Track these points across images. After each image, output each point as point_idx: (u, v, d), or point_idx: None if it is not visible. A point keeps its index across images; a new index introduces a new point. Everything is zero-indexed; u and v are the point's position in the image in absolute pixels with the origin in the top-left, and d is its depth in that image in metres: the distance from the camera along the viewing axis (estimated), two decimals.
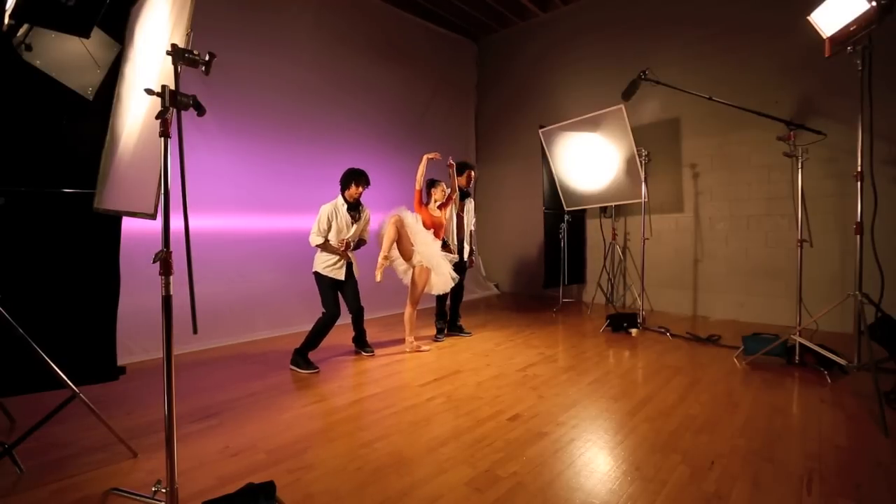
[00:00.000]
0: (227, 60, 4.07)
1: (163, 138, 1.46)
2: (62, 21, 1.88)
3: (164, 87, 1.45)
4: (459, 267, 4.16)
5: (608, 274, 5.73)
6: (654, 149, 4.90)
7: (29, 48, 2.06)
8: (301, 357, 3.35)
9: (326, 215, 3.37)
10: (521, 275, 7.14)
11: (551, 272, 5.91)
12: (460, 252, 4.28)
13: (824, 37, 2.79)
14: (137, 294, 3.12)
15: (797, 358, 3.29)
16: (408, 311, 3.87)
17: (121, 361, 2.57)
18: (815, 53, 2.93)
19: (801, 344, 3.23)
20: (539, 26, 6.85)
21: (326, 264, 3.42)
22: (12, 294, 1.99)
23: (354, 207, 3.49)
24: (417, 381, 3.12)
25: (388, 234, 3.61)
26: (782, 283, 4.67)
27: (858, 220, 2.79)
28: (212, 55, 1.52)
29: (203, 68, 1.52)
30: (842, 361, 2.86)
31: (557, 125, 5.47)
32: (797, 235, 3.30)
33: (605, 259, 5.68)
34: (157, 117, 1.46)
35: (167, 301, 1.48)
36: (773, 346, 3.31)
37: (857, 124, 2.72)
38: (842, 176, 4.27)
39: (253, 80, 4.79)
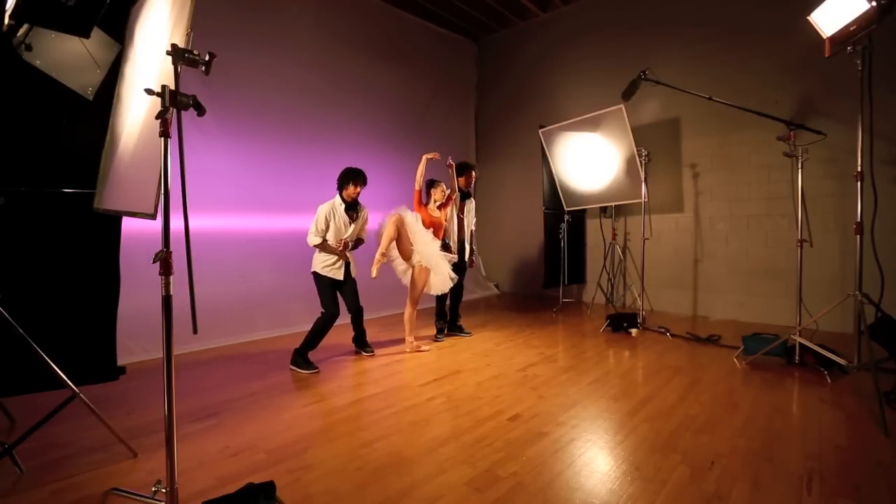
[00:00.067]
0: (227, 60, 4.07)
1: (163, 138, 1.46)
2: (62, 21, 1.88)
3: (164, 87, 1.45)
4: (459, 267, 4.16)
5: (608, 274, 5.73)
6: (654, 149, 4.90)
7: (29, 48, 2.06)
8: (301, 357, 3.35)
9: (324, 215, 3.37)
10: (521, 275, 7.14)
11: (551, 272, 5.91)
12: (461, 252, 4.28)
13: (824, 37, 2.79)
14: (137, 294, 3.12)
15: (797, 358, 3.29)
16: (407, 311, 3.87)
17: (121, 361, 2.57)
18: (815, 53, 2.93)
19: (801, 344, 3.23)
20: (539, 26, 6.85)
21: (325, 264, 3.42)
22: (12, 294, 1.99)
23: (352, 207, 3.48)
24: (417, 381, 3.12)
25: (388, 232, 3.61)
26: (782, 283, 4.67)
27: (858, 220, 2.79)
28: (212, 55, 1.52)
29: (203, 68, 1.52)
30: (842, 361, 2.86)
31: (557, 125, 5.47)
32: (797, 235, 3.30)
33: (605, 259, 5.68)
34: (157, 117, 1.46)
35: (167, 301, 1.48)
36: (773, 346, 3.31)
37: (857, 124, 2.72)
38: (842, 176, 4.27)
39: (253, 80, 4.79)
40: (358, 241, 3.56)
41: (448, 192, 4.03)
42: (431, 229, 3.84)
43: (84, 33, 1.97)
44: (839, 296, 2.93)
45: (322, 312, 3.38)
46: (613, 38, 5.95)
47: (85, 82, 2.28)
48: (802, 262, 3.32)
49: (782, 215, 4.70)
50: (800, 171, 3.25)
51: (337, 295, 3.47)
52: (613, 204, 5.25)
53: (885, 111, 3.36)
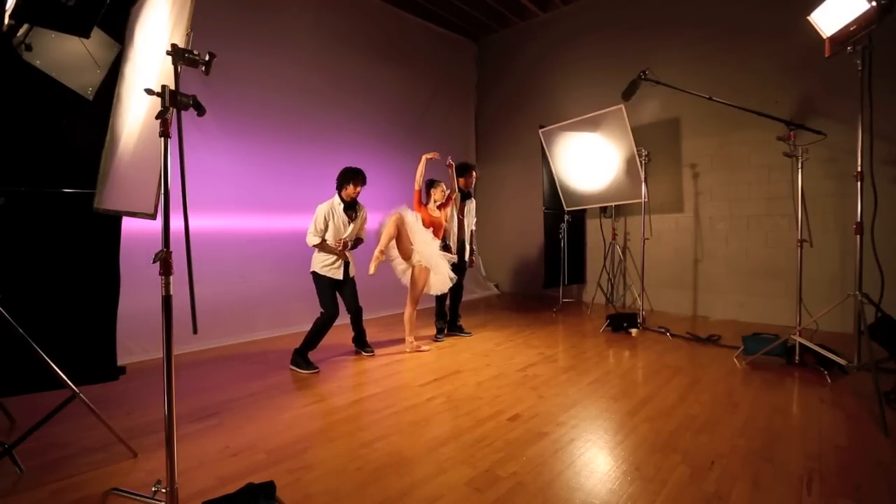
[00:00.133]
0: (227, 60, 4.07)
1: (163, 138, 1.46)
2: (62, 21, 1.88)
3: (164, 87, 1.45)
4: (459, 267, 4.16)
5: (608, 274, 5.73)
6: (654, 149, 4.90)
7: (29, 48, 2.06)
8: (301, 357, 3.35)
9: (323, 215, 3.37)
10: (521, 275, 7.14)
11: (551, 272, 5.91)
12: (461, 252, 4.28)
13: (824, 37, 2.79)
14: (137, 294, 3.12)
15: (797, 358, 3.29)
16: (407, 311, 3.87)
17: (121, 361, 2.57)
18: (815, 53, 2.93)
19: (801, 344, 3.23)
20: (539, 26, 6.85)
21: (324, 264, 3.41)
22: (12, 294, 1.99)
23: (351, 206, 3.48)
24: (417, 381, 3.12)
25: (388, 230, 3.61)
26: (782, 283, 4.67)
27: (858, 220, 2.79)
28: (212, 55, 1.52)
29: (203, 68, 1.52)
30: (842, 361, 2.86)
31: (557, 125, 5.47)
32: (797, 235, 3.30)
33: (605, 259, 5.68)
34: (157, 117, 1.46)
35: (167, 301, 1.48)
36: (773, 346, 3.31)
37: (857, 124, 2.72)
38: (842, 176, 4.27)
39: (253, 80, 4.79)
40: (357, 241, 3.56)
41: (448, 192, 4.03)
42: (431, 229, 3.84)
43: (84, 33, 1.97)
44: (839, 296, 2.93)
45: (321, 312, 3.38)
46: (613, 38, 5.95)
47: (85, 82, 2.28)
48: (802, 262, 3.32)
49: (782, 215, 4.70)
50: (800, 171, 3.25)
51: (336, 295, 3.47)
52: (613, 204, 5.25)
53: (885, 111, 3.36)
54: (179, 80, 1.49)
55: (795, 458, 2.04)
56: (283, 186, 5.03)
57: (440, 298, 4.25)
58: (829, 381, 2.98)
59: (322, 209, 3.38)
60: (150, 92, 1.51)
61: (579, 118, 5.18)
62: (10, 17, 1.84)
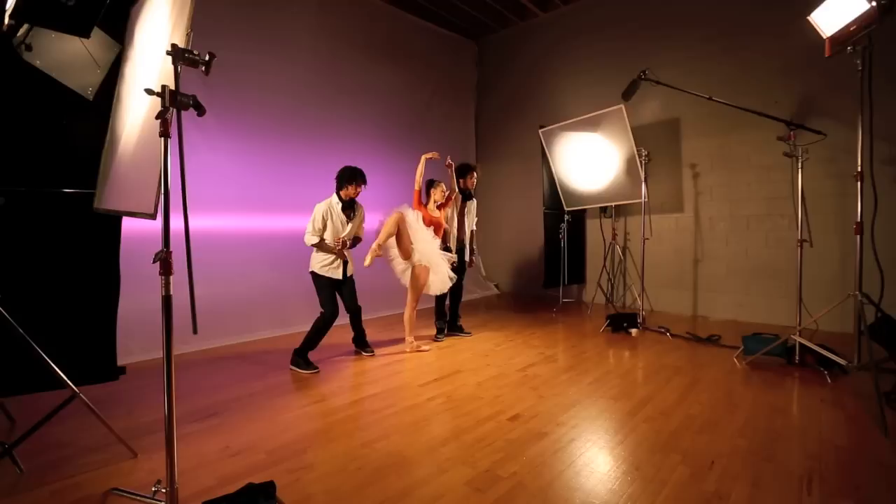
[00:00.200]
0: (227, 60, 4.08)
1: (163, 138, 1.46)
2: (62, 21, 1.89)
3: (164, 87, 1.45)
4: (458, 267, 4.16)
5: (608, 274, 5.73)
6: (654, 149, 4.90)
7: (29, 48, 2.06)
8: (301, 357, 3.35)
9: (321, 214, 3.36)
10: (521, 275, 7.14)
11: (551, 272, 5.91)
12: (460, 253, 4.28)
13: (824, 37, 2.79)
14: (137, 294, 3.12)
15: (797, 358, 3.29)
16: (407, 311, 3.87)
17: (121, 361, 2.58)
18: (816, 53, 2.93)
19: (801, 344, 3.23)
20: (539, 26, 6.85)
21: (323, 264, 3.41)
22: (12, 294, 1.99)
23: (349, 206, 3.47)
24: (417, 381, 3.12)
25: (388, 227, 3.61)
26: (782, 283, 4.67)
27: (858, 220, 2.79)
28: (212, 55, 1.52)
29: (203, 68, 1.52)
30: (842, 361, 2.86)
31: (557, 125, 5.47)
32: (797, 235, 3.30)
33: (605, 259, 5.68)
34: (157, 117, 1.46)
35: (167, 301, 1.48)
36: (773, 346, 3.31)
37: (857, 124, 2.72)
38: (842, 176, 4.27)
39: (253, 80, 4.79)
40: (355, 240, 3.55)
41: (447, 192, 4.03)
42: (432, 228, 3.84)
43: (84, 33, 1.98)
44: (839, 296, 2.93)
45: (321, 312, 3.38)
46: (613, 38, 5.95)
47: (85, 82, 2.28)
48: (802, 262, 3.32)
49: (782, 215, 4.70)
50: (800, 171, 3.25)
51: (336, 294, 3.47)
52: (613, 204, 5.25)
53: (885, 111, 3.36)
54: (179, 80, 1.49)
55: (795, 458, 2.04)
56: (283, 186, 5.03)
57: (440, 298, 4.25)
58: (829, 381, 2.98)
59: (320, 208, 3.38)
60: (150, 92, 1.51)
61: (579, 118, 5.18)
62: (10, 17, 1.85)
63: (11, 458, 1.91)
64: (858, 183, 2.78)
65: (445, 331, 4.38)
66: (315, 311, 3.41)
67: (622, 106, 4.56)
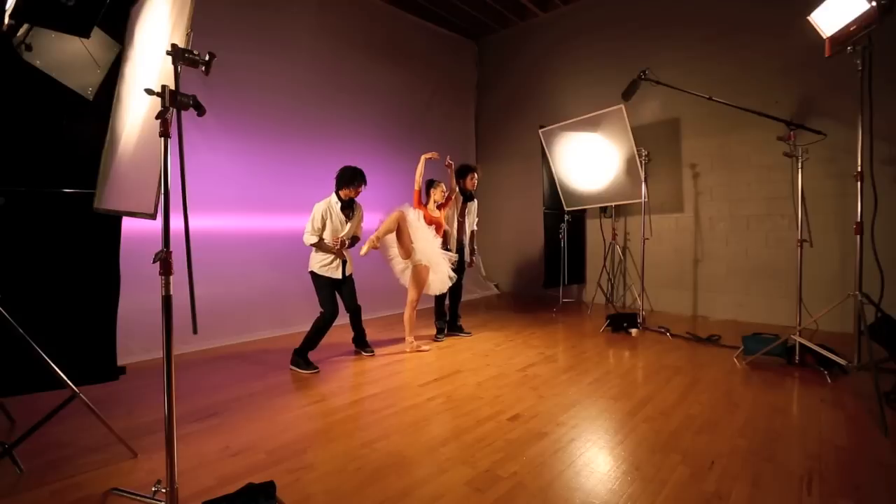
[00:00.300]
0: (227, 60, 4.07)
1: (163, 138, 1.46)
2: (62, 21, 1.88)
3: (164, 87, 1.45)
4: (458, 267, 4.15)
5: (608, 274, 5.73)
6: (654, 149, 4.90)
7: (29, 48, 2.06)
8: (301, 357, 3.35)
9: (321, 214, 3.36)
10: (521, 275, 7.14)
11: (551, 272, 5.90)
12: (459, 252, 4.28)
13: (824, 37, 2.79)
14: (137, 294, 3.12)
15: (797, 358, 3.29)
16: (407, 310, 3.87)
17: (121, 361, 2.58)
18: (816, 53, 2.93)
19: (801, 344, 3.23)
20: (539, 26, 6.85)
21: (322, 263, 3.41)
22: (12, 294, 1.99)
23: (348, 205, 3.46)
24: (417, 381, 3.12)
25: (388, 222, 3.61)
26: (782, 283, 4.67)
27: (858, 220, 2.79)
28: (212, 55, 1.52)
29: (203, 68, 1.52)
30: (842, 361, 2.86)
31: (557, 125, 5.47)
32: (797, 235, 3.30)
33: (605, 259, 5.68)
34: (157, 117, 1.46)
35: (167, 301, 1.48)
36: (773, 346, 3.31)
37: (857, 124, 2.72)
38: (842, 176, 4.27)
39: (253, 80, 4.79)
40: (354, 240, 3.55)
41: (447, 192, 4.03)
42: (433, 227, 3.84)
43: (84, 33, 1.97)
44: (839, 296, 2.93)
45: (321, 312, 3.38)
46: (613, 38, 5.95)
47: (85, 82, 2.28)
48: (802, 262, 3.32)
49: (782, 215, 4.70)
50: (800, 171, 3.25)
51: (335, 294, 3.47)
52: (613, 204, 5.25)
53: (885, 111, 3.36)
54: (179, 80, 1.49)
55: (795, 458, 2.04)
56: (283, 186, 5.03)
57: (439, 298, 4.25)
58: (829, 381, 2.98)
59: (319, 208, 3.38)
60: (150, 92, 1.51)
61: (579, 118, 5.18)
62: (10, 17, 1.85)
63: (11, 458, 1.91)
64: (858, 183, 2.78)
65: (445, 331, 4.38)
66: (315, 310, 3.41)
67: (622, 106, 4.56)
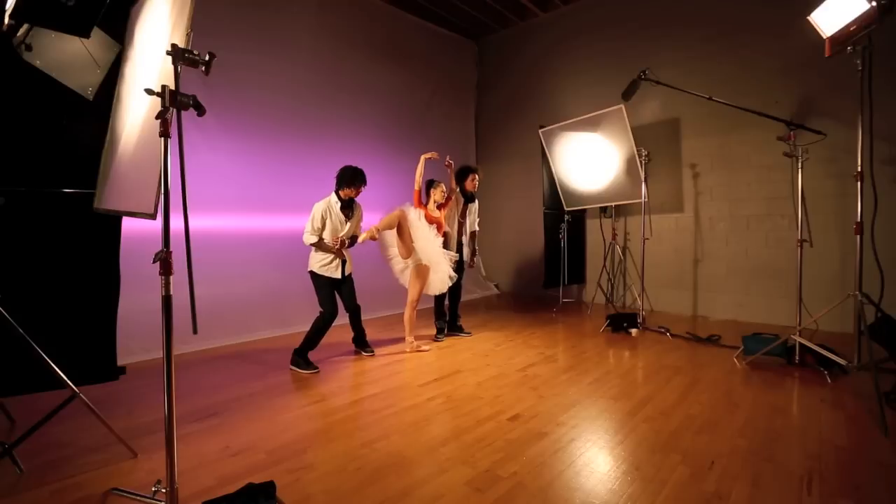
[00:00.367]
0: (227, 60, 4.07)
1: (163, 138, 1.46)
2: (62, 21, 1.88)
3: (164, 87, 1.45)
4: (457, 267, 4.15)
5: (608, 274, 5.73)
6: (654, 149, 4.90)
7: (29, 48, 2.06)
8: (301, 357, 3.35)
9: (320, 213, 3.36)
10: (521, 275, 7.14)
11: (551, 272, 5.90)
12: (458, 252, 4.27)
13: (824, 37, 2.79)
14: (137, 294, 3.12)
15: (797, 358, 3.29)
16: (407, 310, 3.87)
17: (121, 361, 2.58)
18: (816, 53, 2.93)
19: (801, 344, 3.23)
20: (539, 26, 6.85)
21: (322, 263, 3.41)
22: (12, 294, 1.99)
23: (348, 205, 3.46)
24: (417, 381, 3.12)
25: (390, 218, 3.62)
26: (782, 283, 4.67)
27: (858, 220, 2.79)
28: (212, 55, 1.52)
29: (203, 68, 1.52)
30: (842, 361, 2.86)
31: (557, 125, 5.47)
32: (797, 235, 3.30)
33: (605, 259, 5.68)
34: (157, 117, 1.46)
35: (167, 301, 1.48)
36: (773, 346, 3.31)
37: (857, 124, 2.72)
38: (842, 176, 4.27)
39: (253, 79, 4.79)
40: (353, 239, 3.55)
41: (447, 192, 4.03)
42: (434, 226, 3.84)
43: (84, 33, 1.97)
44: (839, 296, 2.93)
45: (321, 312, 3.38)
46: (613, 38, 5.95)
47: (85, 82, 2.28)
48: (802, 262, 3.32)
49: (782, 215, 4.70)
50: (800, 171, 3.25)
51: (335, 294, 3.47)
52: (613, 204, 5.25)
53: (885, 111, 3.36)
54: (179, 80, 1.48)
55: (795, 458, 2.04)
56: (283, 186, 5.03)
57: (439, 298, 4.25)
58: (829, 381, 2.98)
59: (319, 207, 3.38)
60: (150, 92, 1.51)
61: (579, 118, 5.18)
62: (10, 17, 1.84)
63: (11, 458, 1.91)
64: (858, 183, 2.78)
65: (445, 331, 4.38)
66: (315, 310, 3.41)
67: (622, 106, 4.56)
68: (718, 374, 3.20)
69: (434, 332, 4.34)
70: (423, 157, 3.92)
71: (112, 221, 2.35)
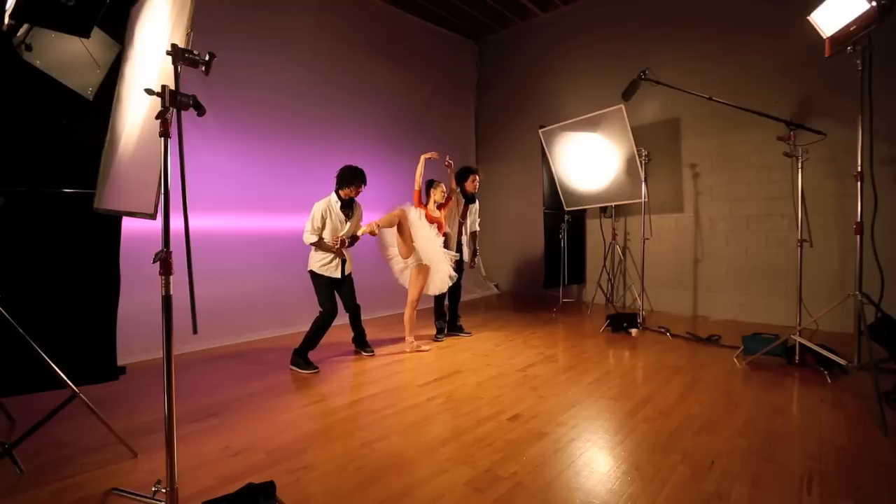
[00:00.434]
0: (228, 60, 4.07)
1: (163, 138, 1.46)
2: (62, 21, 1.88)
3: (164, 87, 1.45)
4: (457, 267, 4.15)
5: (608, 274, 5.73)
6: (654, 149, 4.90)
7: (29, 48, 2.06)
8: (301, 357, 3.35)
9: (320, 213, 3.36)
10: (521, 275, 7.14)
11: (551, 272, 5.90)
12: (458, 252, 4.27)
13: (824, 37, 2.79)
14: (137, 294, 3.12)
15: (797, 358, 3.29)
16: (407, 310, 3.87)
17: (121, 361, 2.58)
18: (816, 53, 2.93)
19: (801, 344, 3.23)
20: (539, 26, 6.85)
21: (322, 263, 3.41)
22: (12, 294, 1.99)
23: (348, 205, 3.46)
24: (417, 381, 3.12)
25: (391, 216, 3.62)
26: (782, 283, 4.67)
27: (858, 220, 2.79)
28: (212, 55, 1.52)
29: (203, 68, 1.52)
30: (842, 361, 2.86)
31: (557, 125, 5.47)
32: (797, 235, 3.30)
33: (605, 259, 5.68)
34: (157, 117, 1.46)
35: (167, 301, 1.48)
36: (773, 346, 3.31)
37: (857, 124, 2.72)
38: (842, 176, 4.27)
39: (253, 79, 4.79)
40: (353, 239, 3.55)
41: (447, 192, 4.03)
42: (434, 226, 3.84)
43: (84, 33, 1.97)
44: (839, 296, 2.93)
45: (320, 311, 3.38)
46: (613, 38, 5.95)
47: (85, 82, 2.28)
48: (802, 262, 3.32)
49: (782, 215, 4.70)
50: (800, 171, 3.25)
51: (335, 293, 3.47)
52: (613, 204, 5.25)
53: (885, 111, 3.36)
54: (179, 80, 1.48)
55: (795, 458, 2.04)
56: (283, 186, 5.03)
57: (439, 298, 4.25)
58: (829, 381, 2.98)
59: (319, 207, 3.38)
60: (150, 92, 1.51)
61: (579, 118, 5.18)
62: (10, 16, 1.84)
63: (11, 458, 1.90)
64: (858, 183, 2.78)
65: (445, 331, 4.38)
66: (315, 310, 3.41)
67: (622, 106, 4.56)
68: (718, 374, 3.20)
69: (434, 332, 4.34)
70: (423, 157, 3.92)
71: (112, 221, 2.35)
